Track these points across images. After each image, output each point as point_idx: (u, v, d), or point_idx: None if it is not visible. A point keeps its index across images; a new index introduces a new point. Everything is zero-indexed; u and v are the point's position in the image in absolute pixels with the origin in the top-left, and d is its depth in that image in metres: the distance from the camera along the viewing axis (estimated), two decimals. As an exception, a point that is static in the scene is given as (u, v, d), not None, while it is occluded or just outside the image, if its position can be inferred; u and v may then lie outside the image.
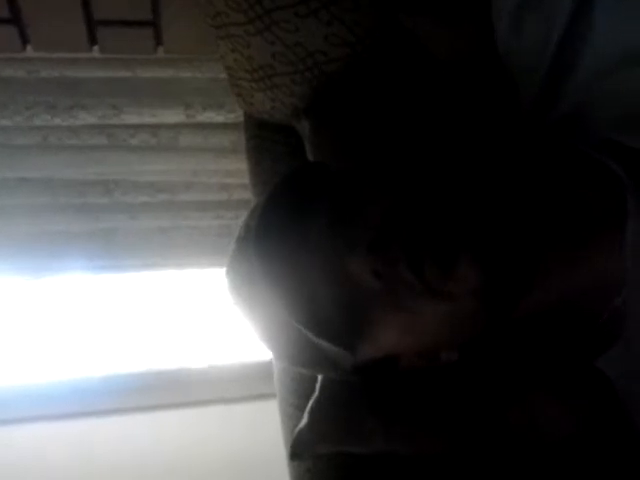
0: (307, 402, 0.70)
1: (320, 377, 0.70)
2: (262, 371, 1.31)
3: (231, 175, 1.23)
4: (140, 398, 1.39)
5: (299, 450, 0.70)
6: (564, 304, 0.53)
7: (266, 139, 0.92)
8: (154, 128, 1.15)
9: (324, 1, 0.71)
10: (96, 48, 1.03)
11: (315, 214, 0.52)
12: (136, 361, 1.45)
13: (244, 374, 1.43)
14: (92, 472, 1.32)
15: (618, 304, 0.51)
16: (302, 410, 0.71)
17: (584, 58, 0.55)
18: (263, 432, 1.13)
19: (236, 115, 1.10)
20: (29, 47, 1.01)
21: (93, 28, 0.99)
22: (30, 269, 1.26)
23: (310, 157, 0.80)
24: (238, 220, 1.23)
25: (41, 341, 1.44)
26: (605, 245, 0.50)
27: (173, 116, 1.13)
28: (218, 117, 1.14)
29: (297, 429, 0.70)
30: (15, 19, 0.96)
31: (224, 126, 1.16)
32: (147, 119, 1.13)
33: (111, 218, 1.24)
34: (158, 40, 1.03)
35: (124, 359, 1.45)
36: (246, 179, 0.98)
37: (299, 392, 0.78)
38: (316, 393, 0.69)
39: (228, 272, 0.58)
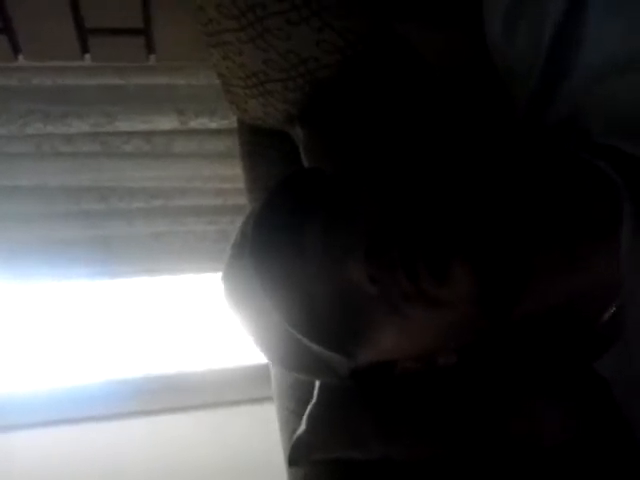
0: (305, 408, 0.70)
1: (318, 383, 0.70)
2: (260, 375, 1.31)
3: (226, 180, 1.23)
4: (138, 403, 1.39)
5: (297, 456, 0.69)
6: (561, 308, 0.53)
7: (260, 145, 0.92)
8: (148, 135, 1.16)
9: (315, 8, 0.71)
10: (88, 56, 1.03)
11: (310, 220, 0.53)
12: (134, 366, 1.45)
13: (242, 378, 1.43)
14: (91, 477, 1.31)
15: (616, 308, 0.51)
16: (300, 416, 0.71)
17: (577, 62, 0.55)
18: (261, 436, 1.13)
19: (229, 121, 1.10)
20: (21, 56, 1.01)
21: (84, 37, 0.99)
22: (26, 276, 1.26)
23: (304, 162, 0.80)
24: (234, 225, 1.24)
25: (37, 348, 1.43)
26: (601, 250, 0.50)
27: (166, 123, 1.13)
28: (211, 123, 1.14)
29: (295, 435, 0.70)
30: (6, 28, 0.96)
31: (218, 132, 1.16)
32: (140, 126, 1.13)
33: (106, 225, 1.24)
34: (150, 48, 1.03)
35: (122, 364, 1.45)
36: (241, 184, 0.98)
37: (297, 397, 0.78)
38: (314, 399, 0.69)
39: (224, 277, 0.58)
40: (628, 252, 0.48)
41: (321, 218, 0.52)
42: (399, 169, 0.57)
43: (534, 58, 0.58)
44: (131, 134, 1.15)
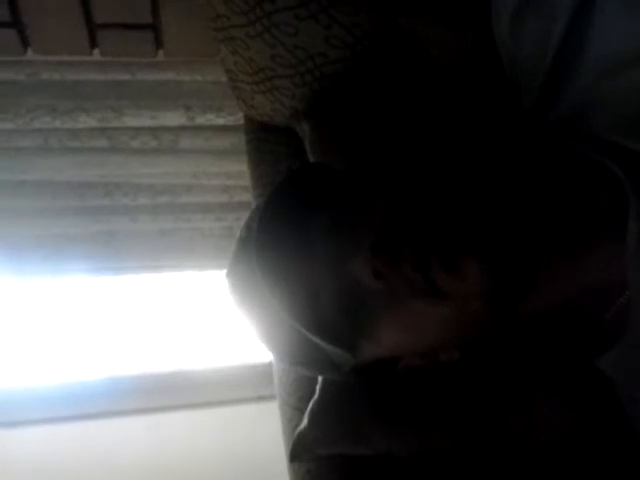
0: (307, 404, 0.70)
1: (320, 379, 0.70)
2: (263, 373, 1.31)
3: (232, 177, 1.23)
4: (140, 400, 1.39)
5: (299, 452, 0.69)
6: (567, 305, 0.53)
7: (266, 141, 0.92)
8: (154, 130, 1.16)
9: (324, 4, 0.71)
10: (96, 51, 1.03)
11: (316, 214, 0.53)
12: (136, 363, 1.45)
13: (245, 376, 1.43)
14: (92, 475, 1.31)
15: (621, 304, 0.51)
16: (302, 412, 0.71)
17: (585, 60, 0.55)
18: (263, 434, 1.13)
19: (236, 118, 1.10)
20: (30, 50, 1.01)
21: (93, 31, 1.00)
22: (31, 271, 1.26)
23: (311, 159, 0.80)
24: (239, 222, 1.23)
25: (40, 343, 1.43)
26: (606, 247, 0.50)
27: (173, 119, 1.13)
28: (218, 119, 1.14)
29: (297, 431, 0.70)
30: (16, 22, 0.96)
31: (224, 128, 1.16)
32: (147, 122, 1.13)
33: (112, 220, 1.24)
34: (158, 43, 1.03)
35: (124, 361, 1.45)
36: (247, 181, 0.98)
37: (299, 394, 0.78)
38: (316, 395, 0.69)
39: (229, 274, 0.58)
40: (633, 250, 0.48)
41: (327, 213, 0.52)
42: (406, 164, 0.57)
43: (542, 56, 0.58)
44: (138, 130, 1.15)
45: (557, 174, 0.54)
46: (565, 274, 0.51)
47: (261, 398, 1.33)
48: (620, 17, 0.52)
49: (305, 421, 0.69)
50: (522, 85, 0.62)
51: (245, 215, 0.61)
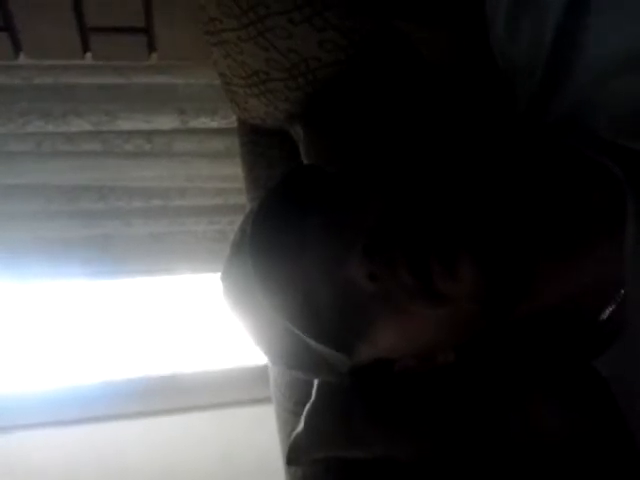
0: (303, 408, 0.70)
1: (316, 382, 0.70)
2: (258, 376, 1.31)
3: (226, 180, 1.23)
4: (136, 404, 1.39)
5: (295, 455, 0.69)
6: (565, 305, 0.53)
7: (260, 144, 0.92)
8: (148, 134, 1.15)
9: (318, 8, 0.71)
10: (89, 55, 1.03)
11: (310, 217, 0.52)
12: (132, 367, 1.45)
13: (240, 379, 1.43)
14: (88, 478, 1.31)
15: (617, 305, 0.51)
16: (298, 415, 0.71)
17: (581, 60, 0.54)
18: (259, 437, 1.13)
19: (230, 121, 1.10)
20: (22, 54, 1.01)
21: (86, 35, 0.99)
22: (24, 275, 1.26)
23: (305, 162, 0.80)
24: (233, 225, 1.24)
25: (36, 348, 1.43)
26: (604, 247, 0.50)
27: (167, 122, 1.13)
28: (212, 123, 1.14)
29: (293, 434, 0.70)
30: (8, 26, 0.96)
31: (218, 131, 1.16)
32: (141, 125, 1.13)
33: (105, 224, 1.24)
34: (151, 46, 1.03)
35: (119, 365, 1.45)
36: (241, 184, 0.98)
37: (295, 397, 0.78)
38: (312, 398, 0.69)
39: (223, 277, 0.58)
40: (631, 250, 0.48)
41: (320, 215, 0.52)
42: (401, 167, 0.56)
43: (537, 57, 0.57)
44: (132, 133, 1.15)
45: (555, 173, 0.54)
46: (564, 274, 0.51)
47: (256, 401, 1.32)
48: (616, 17, 0.51)
49: (301, 424, 0.69)
50: (518, 84, 0.62)
51: (239, 218, 0.61)
